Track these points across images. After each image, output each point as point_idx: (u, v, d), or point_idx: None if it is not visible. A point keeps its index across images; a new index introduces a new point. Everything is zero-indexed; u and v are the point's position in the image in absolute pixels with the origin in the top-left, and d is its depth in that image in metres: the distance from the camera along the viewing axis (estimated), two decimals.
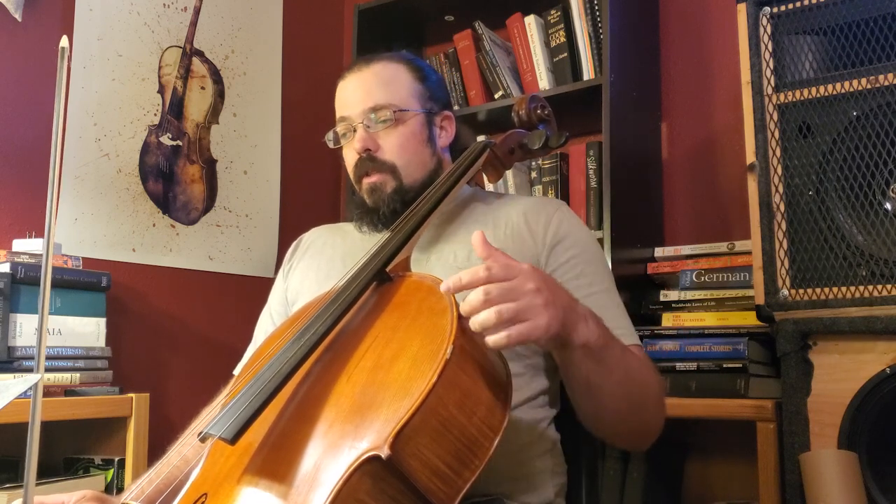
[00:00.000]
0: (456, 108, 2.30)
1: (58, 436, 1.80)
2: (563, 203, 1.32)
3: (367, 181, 1.30)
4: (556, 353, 1.04)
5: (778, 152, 1.52)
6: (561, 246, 1.23)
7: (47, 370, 1.67)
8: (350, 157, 1.33)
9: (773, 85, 1.54)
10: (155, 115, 2.19)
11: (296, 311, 1.24)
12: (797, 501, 1.43)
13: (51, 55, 1.99)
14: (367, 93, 1.30)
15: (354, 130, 1.31)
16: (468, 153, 1.30)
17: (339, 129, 1.34)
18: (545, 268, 1.22)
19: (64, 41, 0.68)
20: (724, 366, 1.72)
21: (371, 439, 0.83)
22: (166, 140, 2.21)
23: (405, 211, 1.25)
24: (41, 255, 1.68)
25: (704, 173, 2.12)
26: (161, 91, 2.21)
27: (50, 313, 1.72)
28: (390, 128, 1.29)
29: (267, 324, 1.39)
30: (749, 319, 1.74)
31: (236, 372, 1.35)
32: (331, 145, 1.37)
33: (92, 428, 1.77)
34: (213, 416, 0.98)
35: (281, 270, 1.44)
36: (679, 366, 1.78)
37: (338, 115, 1.34)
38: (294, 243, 1.46)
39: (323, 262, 1.36)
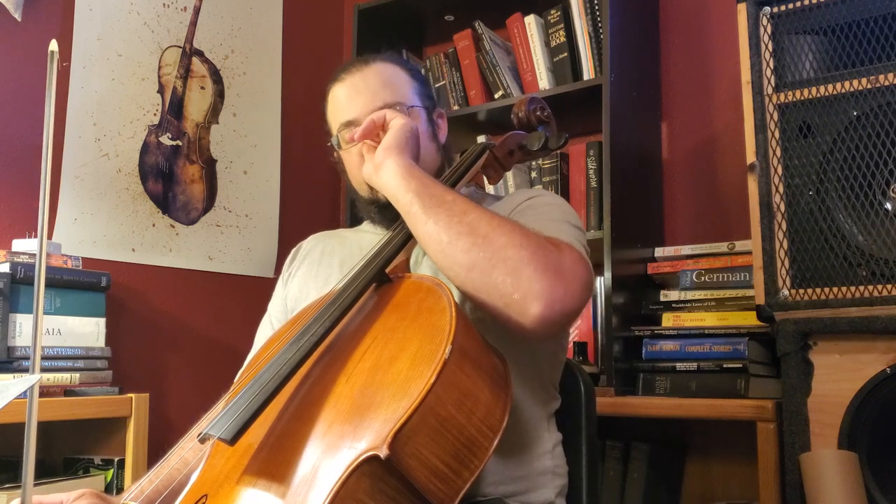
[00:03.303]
0: (456, 108, 2.30)
1: (58, 436, 1.80)
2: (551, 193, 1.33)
3: None
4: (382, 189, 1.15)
5: (778, 152, 1.52)
6: (524, 205, 1.25)
7: (47, 370, 1.67)
8: (355, 161, 1.30)
9: (773, 85, 1.54)
10: (155, 114, 2.19)
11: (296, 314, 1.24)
12: (797, 501, 1.43)
13: None
14: (373, 93, 1.29)
15: None
16: (468, 155, 1.30)
17: (345, 133, 1.30)
18: None
19: (53, 45, 0.68)
20: (725, 366, 1.73)
21: (370, 439, 0.83)
22: (166, 140, 2.21)
23: None
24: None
25: (704, 173, 2.12)
26: (161, 91, 2.21)
27: (50, 313, 1.72)
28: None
29: (267, 331, 1.39)
30: (749, 319, 1.74)
31: (237, 381, 1.34)
32: (339, 149, 1.34)
33: (92, 428, 1.77)
34: (213, 417, 0.98)
35: (280, 278, 1.44)
36: (679, 366, 1.78)
37: (340, 119, 1.31)
38: (293, 251, 1.46)
39: (322, 268, 1.36)
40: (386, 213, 1.27)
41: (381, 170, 1.14)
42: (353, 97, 1.30)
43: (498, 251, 1.01)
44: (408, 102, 1.30)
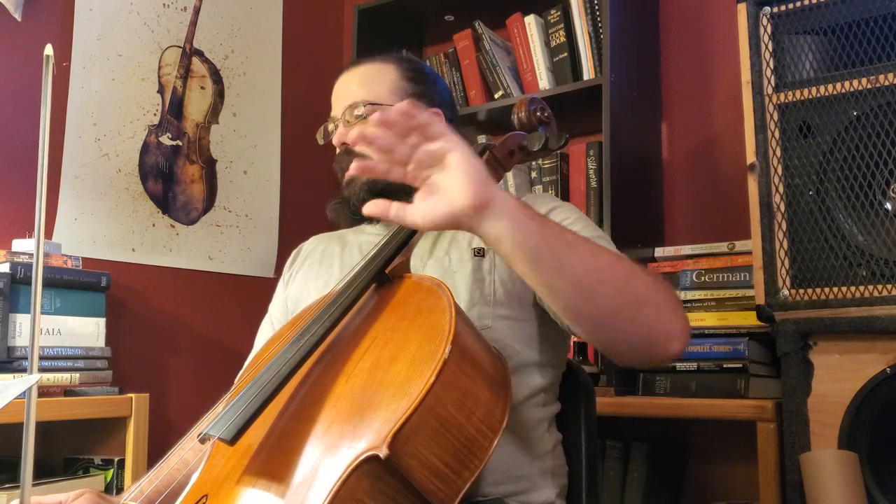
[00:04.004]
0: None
1: (58, 436, 1.80)
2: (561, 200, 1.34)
3: (346, 174, 1.33)
4: (481, 230, 0.92)
5: (778, 152, 1.52)
6: (551, 216, 1.25)
7: (47, 370, 1.67)
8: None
9: (773, 85, 1.54)
10: (155, 114, 2.19)
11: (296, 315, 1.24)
12: (797, 501, 1.43)
13: None
14: (347, 91, 1.36)
15: (337, 128, 1.34)
16: None
17: (329, 127, 1.38)
18: None
19: (48, 49, 0.67)
20: (725, 366, 1.72)
21: (369, 439, 0.83)
22: (166, 140, 2.21)
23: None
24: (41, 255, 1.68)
25: (704, 173, 2.12)
26: (161, 91, 2.21)
27: (50, 313, 1.72)
28: (366, 122, 1.31)
29: (268, 331, 1.40)
30: (749, 319, 1.74)
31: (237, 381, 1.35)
32: (320, 141, 1.42)
33: (92, 428, 1.77)
34: (213, 417, 0.98)
35: (281, 279, 1.45)
36: (679, 366, 1.78)
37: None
38: (294, 252, 1.47)
39: (322, 269, 1.36)
40: (346, 213, 1.33)
41: (491, 210, 0.89)
42: (335, 95, 1.38)
43: (641, 298, 0.98)
44: (378, 101, 1.32)
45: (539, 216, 0.95)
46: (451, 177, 0.89)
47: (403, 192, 1.23)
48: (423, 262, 1.25)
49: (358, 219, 1.36)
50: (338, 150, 1.36)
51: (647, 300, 0.99)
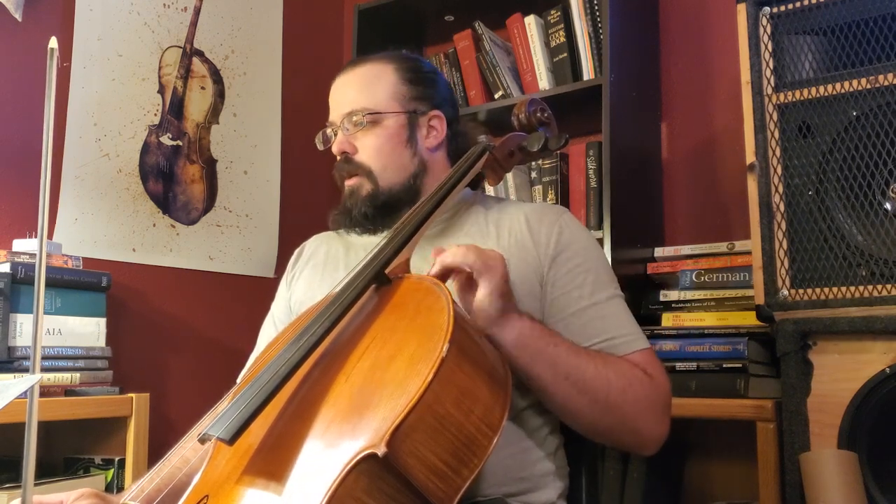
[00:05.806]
0: None
1: (58, 436, 1.80)
2: (565, 210, 1.32)
3: (347, 183, 1.34)
4: (494, 335, 1.07)
5: (778, 152, 1.52)
6: (563, 256, 1.23)
7: (48, 370, 1.67)
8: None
9: (772, 85, 1.54)
10: (155, 115, 2.19)
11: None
12: (797, 501, 1.43)
13: None
14: (345, 97, 1.34)
15: (335, 134, 1.34)
16: (467, 156, 1.30)
17: (328, 131, 1.38)
18: (547, 276, 1.23)
19: (53, 42, 0.67)
20: (724, 366, 1.72)
21: (367, 437, 0.83)
22: (166, 140, 2.22)
23: (377, 215, 1.31)
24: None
25: (704, 173, 2.12)
26: (161, 91, 2.21)
27: (50, 313, 1.72)
28: (366, 130, 1.31)
29: (270, 332, 1.39)
30: (749, 319, 1.74)
31: (240, 381, 1.35)
32: (320, 147, 1.41)
33: (92, 428, 1.77)
34: (214, 417, 0.98)
35: (284, 279, 1.44)
36: (679, 366, 1.78)
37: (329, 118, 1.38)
38: (296, 252, 1.47)
39: (327, 273, 1.36)
40: (362, 224, 1.34)
41: (504, 329, 1.06)
42: (333, 99, 1.37)
43: (624, 417, 1.13)
44: (376, 108, 1.31)
45: (542, 342, 1.09)
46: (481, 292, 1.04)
47: (404, 205, 1.25)
48: (425, 263, 1.25)
49: (359, 230, 1.36)
50: (338, 158, 1.35)
51: (631, 417, 1.13)
